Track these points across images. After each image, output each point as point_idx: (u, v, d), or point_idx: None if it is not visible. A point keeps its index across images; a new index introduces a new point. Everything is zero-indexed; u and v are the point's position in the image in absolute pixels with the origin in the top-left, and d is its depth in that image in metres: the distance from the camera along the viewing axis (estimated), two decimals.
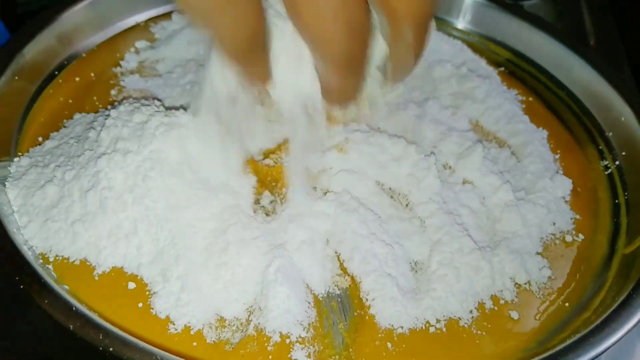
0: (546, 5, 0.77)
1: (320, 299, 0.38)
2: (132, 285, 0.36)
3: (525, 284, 0.40)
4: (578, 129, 0.53)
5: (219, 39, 0.29)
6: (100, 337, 0.30)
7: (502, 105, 0.51)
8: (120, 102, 0.45)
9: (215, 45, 0.31)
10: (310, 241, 0.39)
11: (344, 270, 0.39)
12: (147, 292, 0.36)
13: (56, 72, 0.51)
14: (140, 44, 0.55)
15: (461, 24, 0.63)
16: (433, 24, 0.32)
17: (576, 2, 0.80)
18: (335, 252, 0.40)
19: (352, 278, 0.39)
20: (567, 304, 0.39)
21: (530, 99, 0.56)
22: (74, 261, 0.37)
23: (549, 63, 0.58)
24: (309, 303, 0.37)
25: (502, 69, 0.58)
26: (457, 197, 0.43)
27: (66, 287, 0.35)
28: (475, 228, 0.41)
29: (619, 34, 0.73)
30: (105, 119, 0.41)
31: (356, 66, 0.31)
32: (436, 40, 0.59)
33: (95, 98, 0.50)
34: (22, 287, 0.32)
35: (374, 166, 0.43)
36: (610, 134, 0.51)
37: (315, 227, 0.39)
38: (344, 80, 0.31)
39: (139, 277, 0.37)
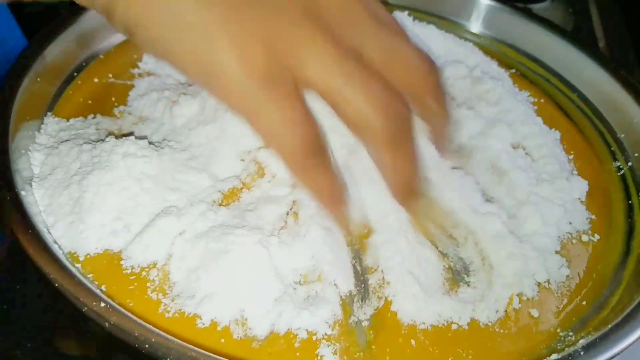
0: (556, 8, 0.78)
1: (344, 296, 0.38)
2: (158, 281, 0.37)
3: (545, 282, 0.40)
4: (590, 131, 0.54)
5: (275, 144, 0.30)
6: (136, 335, 0.30)
7: (515, 107, 0.52)
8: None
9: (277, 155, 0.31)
10: (334, 237, 0.39)
11: (368, 268, 0.40)
12: (174, 287, 0.37)
13: (75, 74, 0.51)
14: None
15: (472, 26, 0.64)
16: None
17: (585, 4, 0.81)
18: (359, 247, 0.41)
19: (376, 274, 0.39)
20: (584, 303, 0.40)
21: (542, 100, 0.56)
22: (102, 259, 0.38)
23: (560, 65, 0.59)
24: (335, 300, 0.37)
25: (514, 71, 0.59)
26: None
27: (103, 287, 0.36)
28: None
29: (629, 35, 0.74)
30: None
31: (402, 144, 0.32)
32: (448, 41, 0.60)
33: (113, 99, 0.50)
34: (55, 285, 0.33)
35: None
36: (622, 135, 0.52)
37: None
38: (396, 159, 0.32)
39: (166, 273, 0.37)
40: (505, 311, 0.38)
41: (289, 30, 0.28)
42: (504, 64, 0.59)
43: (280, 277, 0.37)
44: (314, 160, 0.31)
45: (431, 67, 0.33)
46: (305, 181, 0.32)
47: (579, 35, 0.73)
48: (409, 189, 0.35)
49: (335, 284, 0.38)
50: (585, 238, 0.44)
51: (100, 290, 0.36)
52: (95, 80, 0.52)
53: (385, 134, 0.30)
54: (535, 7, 0.76)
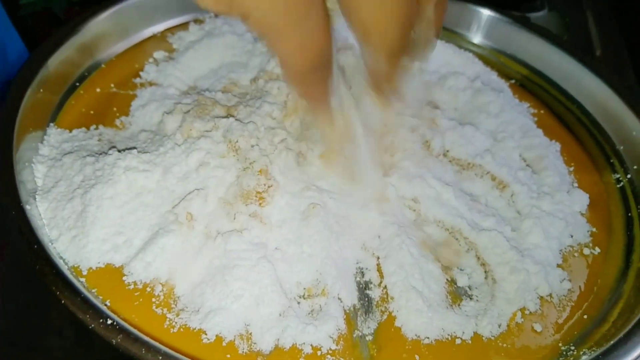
0: (553, 16, 0.78)
1: (348, 310, 0.38)
2: (163, 296, 0.37)
3: (547, 296, 0.41)
4: (589, 142, 0.54)
5: (285, 57, 0.31)
6: (143, 352, 0.30)
7: (516, 119, 0.52)
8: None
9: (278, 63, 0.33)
10: (341, 252, 0.39)
11: (371, 282, 0.40)
12: (178, 302, 0.37)
13: (77, 84, 0.51)
14: (159, 54, 0.56)
15: (472, 36, 0.64)
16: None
17: (582, 13, 0.82)
18: (359, 262, 0.41)
19: (380, 289, 0.39)
20: (585, 316, 0.40)
21: (542, 111, 0.57)
22: (104, 274, 0.38)
23: (559, 76, 0.59)
24: (339, 315, 0.38)
25: (513, 81, 0.59)
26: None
27: (107, 302, 0.36)
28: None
29: (625, 43, 0.75)
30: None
31: (403, 52, 0.33)
32: (448, 52, 0.60)
33: (115, 109, 0.50)
34: (62, 302, 0.33)
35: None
36: (622, 147, 0.53)
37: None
38: (393, 67, 0.33)
39: (171, 288, 0.37)
40: (508, 325, 0.39)
41: None
42: (504, 74, 0.60)
43: (284, 292, 0.37)
44: (313, 76, 0.32)
45: None
46: (299, 91, 0.34)
47: (575, 43, 0.73)
48: (386, 89, 0.37)
49: (339, 298, 0.38)
50: (586, 251, 0.44)
51: (105, 305, 0.36)
52: (98, 90, 0.52)
53: (392, 45, 0.32)
54: (533, 16, 0.77)
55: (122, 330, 0.31)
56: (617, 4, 0.83)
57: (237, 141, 0.43)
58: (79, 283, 0.36)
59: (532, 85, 0.60)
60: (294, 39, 0.29)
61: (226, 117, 0.46)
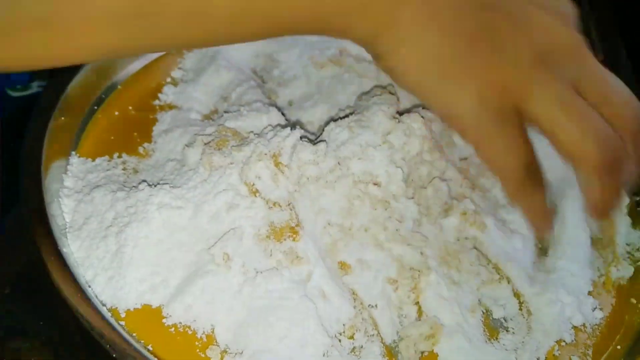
0: None
1: (389, 346, 0.38)
2: (205, 338, 0.37)
3: (581, 325, 0.41)
4: None
5: (497, 167, 0.33)
6: None
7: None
8: None
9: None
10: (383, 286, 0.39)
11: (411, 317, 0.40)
12: (221, 344, 0.36)
13: (95, 107, 0.50)
14: (176, 73, 0.55)
15: None
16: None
17: (584, 19, 0.82)
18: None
19: (420, 325, 0.39)
20: (619, 347, 0.41)
21: None
22: (143, 315, 0.37)
23: None
24: (380, 351, 0.38)
25: None
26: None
27: (149, 346, 0.35)
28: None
29: (625, 47, 0.76)
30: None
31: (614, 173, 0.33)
32: None
33: (136, 134, 0.49)
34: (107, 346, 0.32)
35: None
36: None
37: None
38: (604, 190, 0.33)
39: (212, 329, 0.37)
40: (547, 358, 0.39)
41: (524, 74, 0.31)
42: None
43: (326, 330, 0.37)
44: (530, 182, 0.33)
45: (638, 111, 0.34)
46: (520, 201, 0.35)
47: None
48: (605, 213, 0.36)
49: (379, 334, 0.38)
50: (614, 275, 0.45)
51: (148, 350, 0.35)
52: (116, 113, 0.50)
53: (598, 163, 0.32)
54: None
55: None
56: (618, 10, 0.84)
57: (253, 184, 0.41)
58: (120, 327, 0.35)
59: None
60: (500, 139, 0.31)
61: (242, 148, 0.42)
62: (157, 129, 0.49)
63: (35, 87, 0.65)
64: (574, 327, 0.41)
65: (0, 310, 0.42)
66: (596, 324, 0.42)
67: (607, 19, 0.81)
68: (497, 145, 0.32)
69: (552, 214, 0.36)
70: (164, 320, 0.37)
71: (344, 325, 0.38)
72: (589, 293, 0.43)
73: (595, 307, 0.42)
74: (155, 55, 0.56)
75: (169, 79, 0.54)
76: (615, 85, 0.34)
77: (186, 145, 0.45)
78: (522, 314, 0.41)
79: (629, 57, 0.75)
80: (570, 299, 0.41)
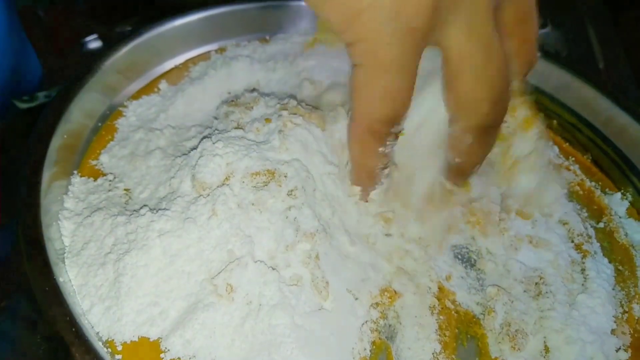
0: (555, 33, 0.79)
1: None
2: None
3: None
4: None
5: (369, 100, 0.31)
6: None
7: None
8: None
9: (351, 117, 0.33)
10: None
11: None
12: None
13: (99, 124, 0.49)
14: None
15: None
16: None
17: (584, 28, 0.83)
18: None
19: None
20: None
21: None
22: (140, 348, 0.35)
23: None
24: None
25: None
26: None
27: None
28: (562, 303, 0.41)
29: (626, 56, 0.75)
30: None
31: (492, 131, 0.33)
32: None
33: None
34: None
35: None
36: None
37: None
38: (480, 144, 0.33)
39: None
40: None
41: None
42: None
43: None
44: (376, 137, 0.32)
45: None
46: (354, 150, 0.34)
47: (578, 58, 0.75)
48: (467, 175, 0.36)
49: None
50: (638, 314, 0.42)
51: None
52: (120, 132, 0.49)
53: (482, 123, 0.32)
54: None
55: None
56: (617, 18, 0.84)
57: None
58: None
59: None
60: (394, 81, 0.30)
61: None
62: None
63: (42, 97, 0.64)
64: None
65: None
66: None
67: (609, 32, 0.81)
68: (387, 85, 0.30)
69: (378, 174, 0.35)
70: (162, 355, 0.35)
71: None
72: (612, 331, 0.41)
73: (620, 348, 0.40)
74: (156, 73, 0.55)
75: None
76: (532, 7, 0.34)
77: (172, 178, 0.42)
78: (540, 351, 0.39)
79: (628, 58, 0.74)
80: (592, 337, 0.39)
